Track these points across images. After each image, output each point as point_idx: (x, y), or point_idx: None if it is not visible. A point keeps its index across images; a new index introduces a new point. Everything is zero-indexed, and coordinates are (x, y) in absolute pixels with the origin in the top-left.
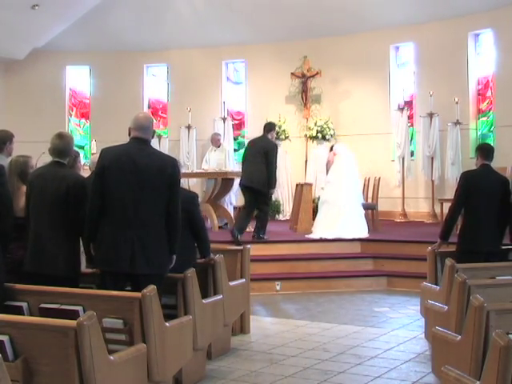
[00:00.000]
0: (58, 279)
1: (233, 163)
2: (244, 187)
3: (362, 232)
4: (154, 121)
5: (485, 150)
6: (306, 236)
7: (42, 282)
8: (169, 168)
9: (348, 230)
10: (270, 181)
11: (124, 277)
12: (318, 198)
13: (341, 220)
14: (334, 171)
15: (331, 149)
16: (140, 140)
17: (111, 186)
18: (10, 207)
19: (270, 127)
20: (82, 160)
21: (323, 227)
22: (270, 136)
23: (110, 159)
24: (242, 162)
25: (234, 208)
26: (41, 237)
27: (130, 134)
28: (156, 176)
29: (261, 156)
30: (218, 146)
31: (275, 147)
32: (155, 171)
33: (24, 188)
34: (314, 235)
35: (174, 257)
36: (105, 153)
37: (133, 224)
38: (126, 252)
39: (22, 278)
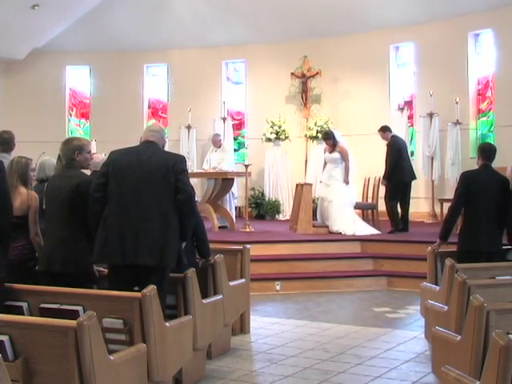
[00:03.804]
0: (73, 276)
1: (233, 163)
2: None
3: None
4: (165, 134)
5: (486, 151)
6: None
7: (55, 281)
8: (170, 161)
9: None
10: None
11: (128, 273)
12: (318, 198)
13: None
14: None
15: (329, 136)
16: (147, 141)
17: (114, 182)
18: (7, 205)
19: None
20: None
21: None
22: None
23: (115, 157)
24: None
25: (236, 208)
26: (52, 236)
27: None
28: (158, 168)
29: None
30: (219, 147)
31: (390, 145)
32: (158, 164)
33: (21, 189)
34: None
35: (184, 244)
36: (112, 152)
37: (138, 217)
38: (131, 246)
39: (24, 277)
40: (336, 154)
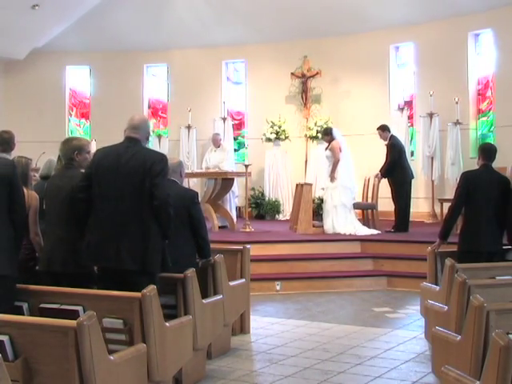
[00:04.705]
0: (73, 276)
1: (233, 163)
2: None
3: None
4: (150, 124)
5: (486, 151)
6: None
7: (56, 281)
8: (148, 163)
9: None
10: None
11: (117, 275)
12: (320, 199)
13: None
14: (344, 172)
15: (327, 132)
16: (130, 139)
17: (97, 185)
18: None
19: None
20: None
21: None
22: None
23: (98, 158)
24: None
25: (236, 208)
26: (52, 235)
27: None
28: (136, 172)
29: None
30: (219, 146)
31: (392, 145)
32: (135, 167)
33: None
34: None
35: (165, 242)
36: (96, 152)
37: (118, 222)
38: (113, 250)
39: (24, 277)
40: (328, 152)
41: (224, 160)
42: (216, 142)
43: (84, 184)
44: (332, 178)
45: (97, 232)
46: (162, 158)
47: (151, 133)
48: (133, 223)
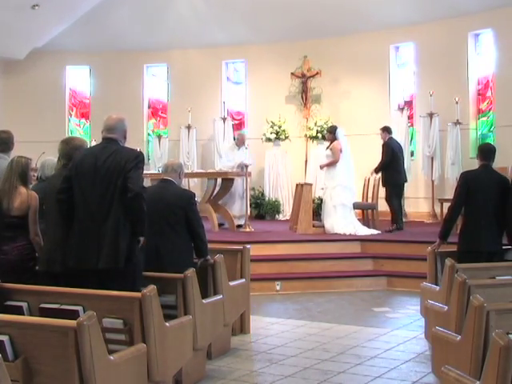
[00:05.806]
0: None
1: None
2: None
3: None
4: (126, 123)
5: (485, 151)
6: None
7: (55, 281)
8: (122, 162)
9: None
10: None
11: (90, 275)
12: (320, 199)
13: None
14: (344, 172)
15: (330, 131)
16: (107, 139)
17: (77, 187)
18: None
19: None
20: None
21: (341, 226)
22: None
23: (77, 160)
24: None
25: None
26: (51, 235)
27: None
28: (112, 172)
29: None
30: (241, 146)
31: (386, 144)
32: (112, 168)
33: (21, 189)
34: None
35: (142, 240)
36: (77, 154)
37: (95, 221)
38: (92, 249)
39: (24, 277)
40: (328, 151)
41: (249, 158)
42: (242, 142)
43: (64, 186)
44: (321, 166)
45: (78, 234)
46: (136, 156)
47: (150, 132)
48: (111, 223)
